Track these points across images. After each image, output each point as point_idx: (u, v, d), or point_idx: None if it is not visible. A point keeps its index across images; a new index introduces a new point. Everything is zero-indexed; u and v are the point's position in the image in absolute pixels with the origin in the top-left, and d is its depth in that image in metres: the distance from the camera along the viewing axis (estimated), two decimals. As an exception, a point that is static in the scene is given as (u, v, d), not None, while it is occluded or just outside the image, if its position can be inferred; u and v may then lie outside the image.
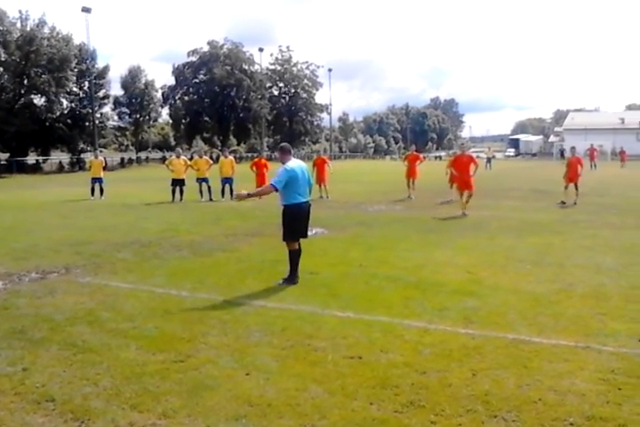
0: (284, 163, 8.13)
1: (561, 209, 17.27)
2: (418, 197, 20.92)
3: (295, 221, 8.02)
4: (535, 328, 6.00)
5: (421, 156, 25.04)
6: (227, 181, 21.01)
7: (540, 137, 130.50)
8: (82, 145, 55.83)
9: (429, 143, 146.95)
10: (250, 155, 66.89)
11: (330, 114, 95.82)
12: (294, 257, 8.08)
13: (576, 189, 18.57)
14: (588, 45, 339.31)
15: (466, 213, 15.55)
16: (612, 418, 4.06)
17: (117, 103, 68.32)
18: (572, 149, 19.91)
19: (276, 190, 7.85)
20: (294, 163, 8.16)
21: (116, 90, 66.74)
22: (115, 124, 69.91)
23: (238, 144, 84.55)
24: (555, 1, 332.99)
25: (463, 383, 4.64)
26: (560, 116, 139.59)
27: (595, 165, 41.39)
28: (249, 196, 8.10)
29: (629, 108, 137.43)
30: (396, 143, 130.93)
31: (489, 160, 47.00)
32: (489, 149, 58.80)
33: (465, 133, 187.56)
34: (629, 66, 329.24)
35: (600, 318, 6.36)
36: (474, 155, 18.67)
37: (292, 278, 7.99)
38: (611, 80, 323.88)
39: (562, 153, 60.40)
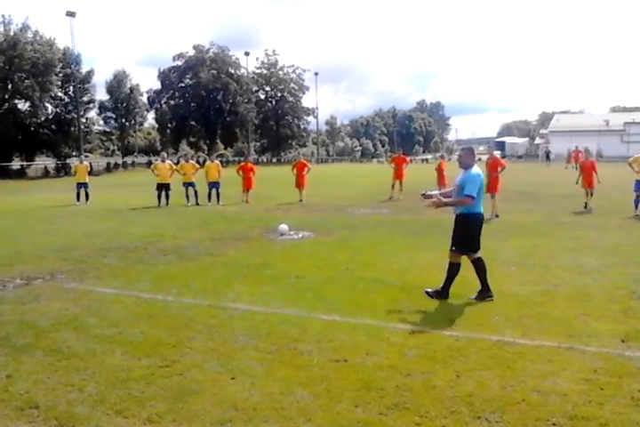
0: (466, 167, 7.32)
1: (546, 211, 17.38)
2: (404, 200, 20.99)
3: (472, 232, 7.30)
4: (519, 330, 6.05)
5: (408, 158, 25.34)
6: (213, 185, 21.02)
7: (526, 139, 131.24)
8: (67, 150, 55.49)
9: (416, 146, 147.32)
10: (237, 159, 66.78)
11: (316, 117, 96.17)
12: (453, 271, 7.29)
13: (590, 194, 17.52)
14: (573, 48, 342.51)
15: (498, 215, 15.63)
16: (594, 417, 4.10)
17: (103, 108, 68.10)
18: (587, 151, 18.46)
19: (473, 200, 7.10)
20: (478, 169, 7.36)
21: (101, 94, 66.52)
22: (100, 128, 69.71)
23: (225, 148, 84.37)
24: (539, 4, 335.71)
25: (447, 385, 4.67)
26: (545, 119, 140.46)
27: (578, 167, 41.72)
28: (445, 205, 7.42)
29: (613, 110, 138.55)
30: (383, 146, 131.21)
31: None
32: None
33: (451, 136, 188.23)
34: (613, 68, 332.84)
35: (583, 319, 6.42)
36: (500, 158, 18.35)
37: (485, 290, 7.23)
38: (595, 82, 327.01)
39: (547, 155, 60.77)
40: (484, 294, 7.23)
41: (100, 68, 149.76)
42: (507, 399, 4.40)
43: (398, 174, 22.61)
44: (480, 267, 7.29)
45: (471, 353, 5.38)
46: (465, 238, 7.29)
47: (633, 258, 9.79)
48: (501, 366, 5.07)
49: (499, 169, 16.24)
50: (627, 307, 6.84)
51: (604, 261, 9.49)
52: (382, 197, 21.86)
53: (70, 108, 55.21)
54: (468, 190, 7.08)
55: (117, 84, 68.69)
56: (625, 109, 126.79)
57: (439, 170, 22.31)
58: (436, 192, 7.76)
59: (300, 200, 21.31)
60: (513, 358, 5.26)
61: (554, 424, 4.03)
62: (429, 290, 7.32)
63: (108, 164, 59.14)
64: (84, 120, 56.54)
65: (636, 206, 15.92)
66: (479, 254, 7.35)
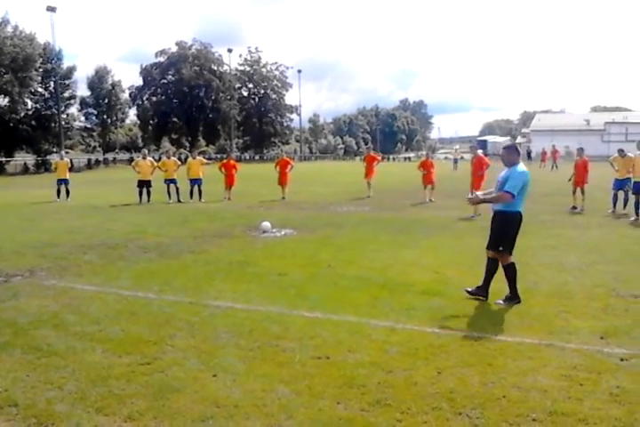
0: (510, 165, 7.19)
1: (527, 209, 17.45)
2: (388, 198, 21.05)
3: (510, 231, 7.10)
4: (500, 326, 6.10)
5: (379, 156, 25.39)
6: (195, 182, 20.94)
7: (508, 138, 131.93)
8: (47, 146, 55.00)
9: (399, 144, 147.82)
10: (219, 156, 66.53)
11: (299, 115, 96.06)
12: (512, 272, 7.05)
13: (582, 193, 17.20)
14: (555, 48, 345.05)
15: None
16: (574, 413, 4.14)
17: (84, 104, 67.47)
18: (580, 149, 18.00)
19: (513, 197, 6.91)
20: (523, 167, 7.20)
21: (82, 90, 65.97)
22: (81, 124, 69.02)
23: (207, 145, 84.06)
24: (521, 4, 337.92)
25: (429, 382, 4.69)
26: (527, 118, 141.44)
27: (556, 166, 42.25)
28: (483, 201, 7.31)
29: (594, 109, 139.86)
30: (366, 144, 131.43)
31: (456, 161, 47.76)
32: (456, 151, 59.75)
33: (434, 135, 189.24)
34: (594, 68, 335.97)
35: (563, 316, 6.48)
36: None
37: (514, 296, 7.00)
38: (576, 82, 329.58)
39: (529, 154, 61.24)
40: (512, 299, 6.98)
41: (81, 63, 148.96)
42: (487, 396, 4.43)
43: (368, 172, 22.58)
44: (511, 272, 7.07)
45: (452, 350, 5.41)
46: (501, 237, 7.10)
47: (613, 256, 9.90)
48: (482, 362, 5.10)
49: (484, 168, 16.32)
50: (606, 304, 6.92)
51: (584, 259, 9.58)
52: (364, 195, 21.85)
53: (51, 103, 54.75)
54: (508, 186, 6.91)
55: (99, 80, 68.07)
56: (605, 109, 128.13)
57: (425, 168, 20.78)
58: (481, 193, 7.65)
59: (283, 198, 21.29)
60: (494, 354, 5.30)
61: (534, 420, 4.06)
62: (500, 302, 7.00)
63: (89, 160, 58.71)
64: (64, 116, 56.05)
65: (614, 204, 16.13)
66: (512, 259, 7.14)
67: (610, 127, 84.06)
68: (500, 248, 7.09)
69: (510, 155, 7.26)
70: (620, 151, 16.38)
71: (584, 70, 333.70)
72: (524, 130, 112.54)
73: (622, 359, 5.15)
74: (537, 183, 27.45)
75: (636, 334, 5.85)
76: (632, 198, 15.24)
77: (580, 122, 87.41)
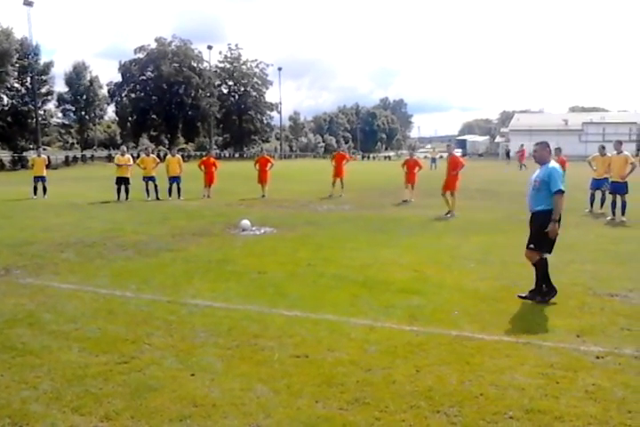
0: (542, 162, 7.25)
1: (506, 208, 17.63)
2: (367, 197, 21.09)
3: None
4: (478, 325, 6.13)
5: (348, 155, 25.38)
6: (174, 179, 20.82)
7: (487, 137, 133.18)
8: (23, 143, 54.20)
9: (379, 143, 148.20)
10: (199, 153, 66.16)
11: (280, 113, 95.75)
12: (544, 267, 7.12)
13: None
14: (533, 48, 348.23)
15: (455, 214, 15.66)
16: (550, 411, 4.17)
17: (61, 100, 66.72)
18: (557, 149, 18.01)
19: (563, 193, 7.00)
20: (556, 164, 7.25)
21: (60, 86, 65.15)
22: (59, 121, 68.29)
23: (186, 142, 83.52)
24: (499, 4, 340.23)
25: (407, 380, 4.71)
26: (506, 118, 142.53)
27: (524, 166, 42.85)
28: (558, 218, 7.11)
29: (572, 109, 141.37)
30: (346, 143, 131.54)
31: (434, 160, 48.02)
32: (434, 150, 60.16)
33: (414, 134, 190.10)
34: (572, 69, 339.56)
35: (540, 315, 6.55)
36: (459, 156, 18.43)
37: (538, 291, 7.08)
38: (555, 82, 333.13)
39: (507, 153, 61.74)
40: (536, 295, 7.05)
41: (59, 59, 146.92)
42: (465, 394, 4.45)
43: (338, 172, 22.17)
44: (543, 267, 7.11)
45: (431, 348, 5.43)
46: (544, 237, 7.06)
47: (589, 255, 10.00)
48: (460, 360, 5.13)
49: (458, 167, 16.34)
50: (582, 303, 6.99)
51: (561, 258, 9.64)
52: (345, 194, 21.82)
53: (27, 99, 53.94)
54: (557, 185, 6.93)
55: (77, 76, 67.36)
56: (583, 109, 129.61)
57: (409, 167, 20.51)
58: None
59: (263, 196, 21.24)
60: (472, 352, 5.33)
61: (511, 418, 4.09)
62: (538, 298, 7.02)
63: (67, 157, 57.90)
64: (41, 112, 55.28)
65: (591, 204, 16.30)
66: (546, 255, 7.18)
67: (587, 127, 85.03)
68: (531, 246, 7.17)
69: (543, 150, 7.30)
70: (602, 149, 16.39)
71: (562, 71, 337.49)
72: (502, 129, 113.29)
73: (598, 357, 5.21)
74: (516, 183, 27.71)
75: (612, 332, 5.92)
76: (609, 198, 15.41)
77: (558, 122, 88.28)
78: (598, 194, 16.34)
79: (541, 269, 7.15)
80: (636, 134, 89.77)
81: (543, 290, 7.11)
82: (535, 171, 7.45)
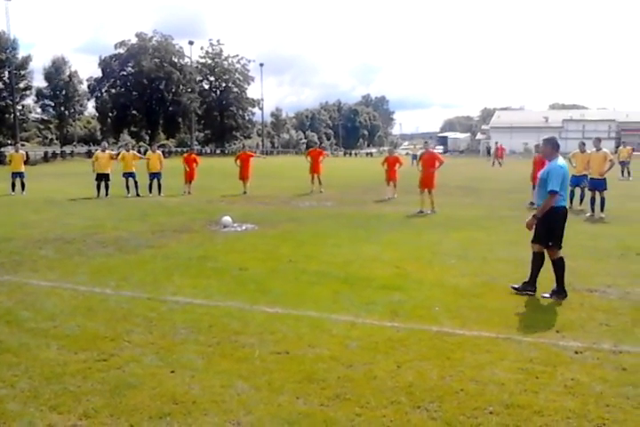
0: (549, 159, 7.23)
1: (486, 205, 17.75)
2: (349, 193, 21.10)
3: (557, 226, 7.10)
4: (458, 320, 6.16)
5: (325, 152, 25.36)
6: (154, 175, 20.65)
7: (468, 135, 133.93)
8: (1, 138, 53.64)
9: (361, 140, 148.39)
10: (180, 149, 65.79)
11: (262, 109, 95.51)
12: (562, 266, 7.14)
13: None
14: (514, 46, 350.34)
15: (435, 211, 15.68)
16: (529, 405, 4.21)
17: (40, 95, 66.02)
18: (537, 146, 17.28)
19: (557, 193, 6.93)
20: (562, 161, 7.18)
21: (38, 81, 64.48)
22: (37, 116, 67.67)
23: (167, 138, 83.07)
24: (478, 1, 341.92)
25: (388, 375, 4.72)
26: (487, 115, 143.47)
27: (500, 163, 43.27)
28: (539, 216, 7.05)
29: (552, 107, 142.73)
30: (328, 139, 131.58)
31: (414, 157, 48.24)
32: (414, 147, 60.34)
33: (395, 131, 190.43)
34: (553, 66, 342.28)
35: (520, 310, 6.60)
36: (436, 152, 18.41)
37: (561, 290, 7.09)
38: (535, 80, 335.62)
39: (488, 151, 62.20)
40: (560, 293, 7.08)
41: (37, 53, 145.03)
42: (445, 389, 4.47)
43: (315, 168, 22.21)
44: (560, 266, 7.16)
45: (411, 344, 5.45)
46: (550, 233, 7.11)
47: (569, 251, 9.96)
48: (441, 356, 5.15)
49: (436, 164, 16.27)
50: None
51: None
52: (327, 190, 21.84)
53: (5, 94, 53.37)
54: (552, 185, 6.93)
55: (56, 71, 66.64)
56: (563, 107, 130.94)
57: (389, 164, 20.41)
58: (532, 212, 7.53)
59: (244, 192, 21.16)
60: (452, 348, 5.35)
61: (491, 413, 4.11)
62: (546, 295, 7.12)
63: (46, 153, 57.34)
64: (19, 107, 54.81)
65: (571, 201, 16.42)
66: (561, 254, 7.23)
67: (567, 124, 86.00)
68: (550, 243, 7.17)
69: (546, 147, 7.31)
70: (582, 145, 16.47)
71: (543, 68, 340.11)
72: (483, 126, 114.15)
73: (577, 352, 5.26)
74: (497, 180, 27.95)
75: (591, 327, 5.98)
76: (588, 195, 15.54)
77: (538, 119, 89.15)
78: (578, 191, 16.48)
79: (561, 268, 7.15)
80: (615, 132, 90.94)
81: (560, 290, 7.11)
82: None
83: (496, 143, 47.41)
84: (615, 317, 6.34)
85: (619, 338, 5.64)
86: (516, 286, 7.35)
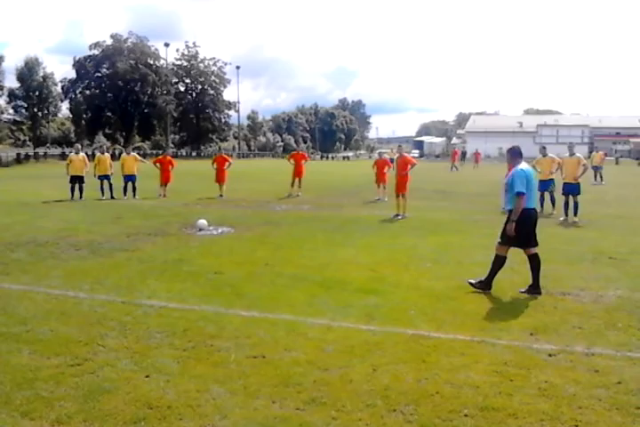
0: (513, 166, 7.67)
1: (461, 209, 17.88)
2: (326, 196, 21.12)
3: (526, 227, 7.42)
4: (434, 324, 6.19)
5: (307, 155, 25.47)
6: (129, 178, 20.44)
7: (443, 139, 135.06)
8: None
9: (337, 143, 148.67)
10: (155, 152, 65.29)
11: (238, 111, 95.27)
12: (537, 262, 7.53)
13: None
14: (488, 51, 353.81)
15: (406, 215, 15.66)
16: (504, 408, 4.24)
17: (13, 96, 65.21)
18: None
19: (524, 194, 7.30)
20: (525, 165, 7.64)
21: (11, 81, 63.68)
22: (10, 117, 66.77)
23: (142, 141, 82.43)
24: (456, 5, 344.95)
25: (364, 379, 4.72)
26: (462, 119, 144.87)
27: (456, 167, 43.90)
28: (514, 220, 7.32)
29: (527, 112, 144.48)
30: (305, 143, 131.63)
31: (392, 160, 48.58)
32: (392, 150, 60.69)
33: (372, 134, 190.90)
34: (527, 72, 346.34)
35: (495, 313, 6.66)
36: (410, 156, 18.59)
37: (536, 286, 7.46)
38: (510, 85, 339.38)
39: (463, 155, 62.69)
40: (534, 289, 7.46)
41: (10, 53, 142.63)
42: (421, 392, 4.49)
43: (297, 171, 22.28)
44: (535, 262, 7.53)
45: (387, 347, 5.47)
46: (519, 234, 7.38)
47: (543, 255, 9.98)
48: (416, 359, 5.17)
49: (408, 167, 16.38)
50: (536, 302, 7.15)
51: (514, 258, 9.77)
52: (304, 193, 21.82)
53: (-24, 95, 52.56)
54: (517, 187, 7.31)
55: (29, 72, 65.93)
56: (538, 112, 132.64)
57: (379, 167, 20.87)
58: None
59: (221, 195, 21.07)
60: (427, 351, 5.38)
61: (466, 416, 4.14)
62: (472, 281, 7.66)
63: (19, 155, 56.30)
64: (-9, 108, 53.91)
65: (541, 205, 16.58)
66: (536, 250, 7.59)
67: (542, 129, 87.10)
68: (500, 241, 7.63)
69: (509, 155, 7.96)
70: (543, 149, 16.65)
71: (518, 73, 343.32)
72: (459, 131, 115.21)
73: (550, 355, 5.32)
74: (471, 184, 28.17)
75: (564, 330, 6.06)
76: (561, 199, 15.70)
77: (513, 124, 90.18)
78: (547, 196, 16.62)
79: (496, 264, 7.64)
80: (588, 137, 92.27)
81: (537, 285, 7.50)
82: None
83: (454, 147, 48.59)
84: (588, 320, 6.42)
85: (591, 341, 5.72)
86: (473, 281, 7.69)
